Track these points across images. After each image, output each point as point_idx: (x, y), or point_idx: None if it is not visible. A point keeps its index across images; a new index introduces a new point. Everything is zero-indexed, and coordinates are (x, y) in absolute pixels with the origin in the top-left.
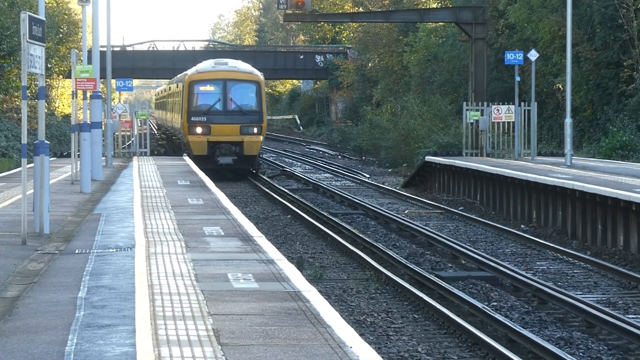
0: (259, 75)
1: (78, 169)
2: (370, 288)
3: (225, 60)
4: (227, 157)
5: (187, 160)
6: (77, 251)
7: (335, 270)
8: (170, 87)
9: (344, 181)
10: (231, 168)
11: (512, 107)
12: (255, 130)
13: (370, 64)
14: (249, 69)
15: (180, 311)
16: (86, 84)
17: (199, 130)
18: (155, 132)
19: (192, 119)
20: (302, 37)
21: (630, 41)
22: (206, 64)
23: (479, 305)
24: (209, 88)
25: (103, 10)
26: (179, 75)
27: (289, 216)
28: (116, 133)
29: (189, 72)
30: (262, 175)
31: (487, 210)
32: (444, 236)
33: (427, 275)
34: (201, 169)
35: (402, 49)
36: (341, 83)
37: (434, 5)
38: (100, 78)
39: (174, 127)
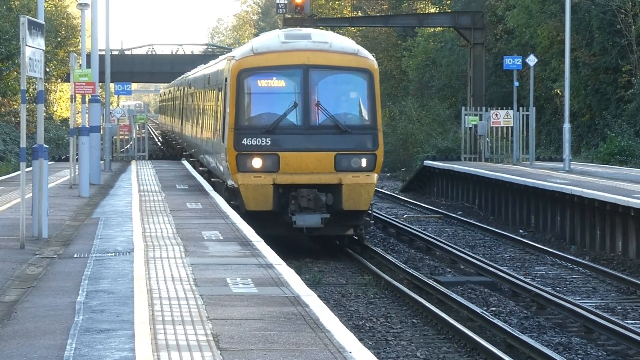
0: (370, 58)
1: (76, 173)
2: (369, 293)
3: (304, 30)
4: (312, 216)
5: (186, 164)
6: (75, 255)
7: (334, 274)
8: (190, 86)
9: None
10: (318, 235)
11: (510, 112)
12: (365, 162)
13: None
14: (352, 47)
15: (179, 316)
16: (85, 88)
17: (256, 163)
18: (157, 141)
19: (244, 141)
20: None
21: (628, 46)
22: (269, 38)
23: (478, 310)
24: (276, 83)
25: (102, 14)
26: (213, 64)
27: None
28: (114, 137)
29: (237, 54)
30: (370, 246)
31: (485, 215)
32: (443, 241)
33: (425, 280)
34: (262, 236)
35: (400, 54)
36: None
37: (433, 10)
38: (99, 82)
39: (202, 151)
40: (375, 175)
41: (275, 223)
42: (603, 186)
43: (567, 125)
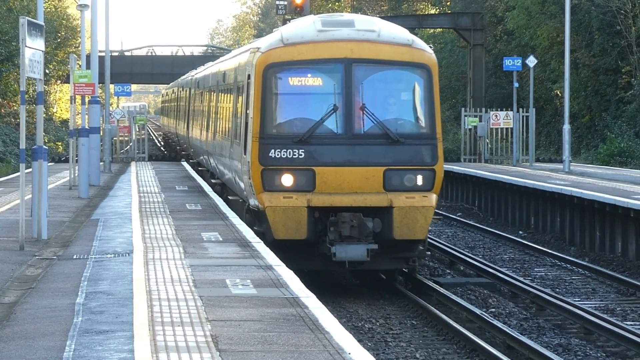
0: (428, 51)
1: (76, 174)
2: (368, 294)
3: (346, 15)
4: (356, 246)
5: (185, 165)
6: (75, 257)
7: (333, 276)
8: (199, 86)
9: None
10: (363, 269)
11: (510, 113)
12: (421, 180)
13: None
14: (405, 36)
15: (178, 317)
16: (85, 89)
17: (286, 180)
18: (157, 142)
19: (272, 153)
20: None
21: (628, 47)
22: (302, 25)
23: (477, 311)
24: (311, 81)
25: (102, 15)
26: (229, 58)
27: None
28: (114, 138)
29: (262, 44)
30: (426, 280)
31: (485, 216)
32: (442, 242)
33: (425, 281)
34: (293, 269)
35: None
36: None
37: (433, 12)
38: (99, 83)
39: (214, 160)
40: (434, 196)
41: (310, 255)
42: (603, 187)
43: (566, 127)
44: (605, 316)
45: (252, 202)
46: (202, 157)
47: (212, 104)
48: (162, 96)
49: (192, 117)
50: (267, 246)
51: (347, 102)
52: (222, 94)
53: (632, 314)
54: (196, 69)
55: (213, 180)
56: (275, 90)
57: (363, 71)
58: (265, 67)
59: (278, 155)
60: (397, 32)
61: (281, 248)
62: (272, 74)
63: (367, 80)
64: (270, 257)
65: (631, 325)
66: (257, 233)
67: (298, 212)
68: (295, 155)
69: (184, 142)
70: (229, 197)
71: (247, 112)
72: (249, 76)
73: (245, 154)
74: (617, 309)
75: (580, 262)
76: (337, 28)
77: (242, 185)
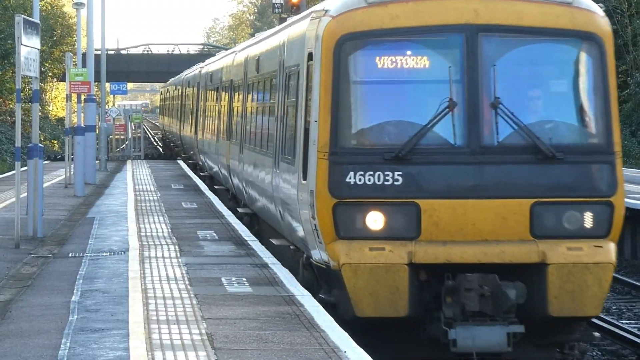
0: (598, 13)
1: (72, 173)
2: None
3: None
4: (488, 329)
5: (181, 163)
6: (70, 255)
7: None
8: (212, 79)
9: None
10: None
11: None
12: (590, 219)
13: None
14: None
15: (174, 315)
16: (80, 87)
17: (374, 221)
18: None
19: (350, 178)
20: None
21: (624, 47)
22: None
23: None
24: (412, 62)
25: (97, 14)
26: (268, 35)
27: None
28: (110, 136)
29: (331, 5)
30: None
31: None
32: None
33: None
34: None
35: None
36: None
37: None
38: (95, 81)
39: (240, 179)
40: (613, 247)
41: (413, 341)
42: None
43: None
44: (600, 315)
45: (317, 254)
46: (217, 170)
47: (235, 103)
48: (161, 94)
49: (203, 118)
50: (341, 326)
51: (470, 95)
52: (255, 89)
53: (628, 313)
54: (204, 62)
55: (240, 210)
56: (354, 77)
57: (496, 46)
58: (338, 40)
59: (360, 180)
60: None
61: (366, 329)
62: (349, 50)
63: (503, 60)
64: (265, 255)
65: (627, 324)
66: (324, 302)
67: (394, 272)
68: (387, 180)
69: (190, 148)
70: (272, 241)
71: (306, 112)
72: (309, 56)
73: (304, 179)
74: (613, 307)
75: None
76: None
77: (295, 224)
